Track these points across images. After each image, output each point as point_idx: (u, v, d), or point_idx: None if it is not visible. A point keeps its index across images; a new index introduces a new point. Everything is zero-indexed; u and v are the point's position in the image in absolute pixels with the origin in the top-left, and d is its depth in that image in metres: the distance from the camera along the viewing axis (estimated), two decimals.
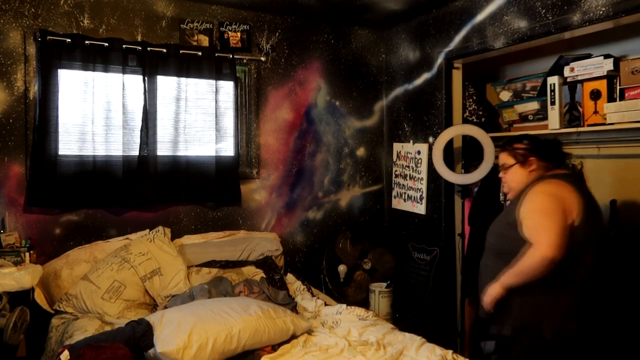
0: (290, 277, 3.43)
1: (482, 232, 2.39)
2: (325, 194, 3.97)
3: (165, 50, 3.26)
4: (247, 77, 3.69)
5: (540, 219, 2.06)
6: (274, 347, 2.33)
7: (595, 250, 2.11)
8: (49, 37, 2.97)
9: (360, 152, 4.12)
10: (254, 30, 3.66)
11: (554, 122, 3.02)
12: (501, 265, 2.14)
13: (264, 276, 3.19)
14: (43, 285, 2.83)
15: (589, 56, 2.92)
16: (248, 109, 3.70)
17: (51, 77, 2.99)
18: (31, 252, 2.84)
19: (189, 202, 3.47)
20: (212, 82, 3.44)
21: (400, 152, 3.99)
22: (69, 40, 3.02)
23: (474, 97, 3.64)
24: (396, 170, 4.04)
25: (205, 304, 2.46)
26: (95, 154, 3.12)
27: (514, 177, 2.28)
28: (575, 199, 2.09)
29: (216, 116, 3.47)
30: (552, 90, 3.01)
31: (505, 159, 2.32)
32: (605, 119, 2.77)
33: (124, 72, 3.16)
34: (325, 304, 3.00)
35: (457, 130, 3.43)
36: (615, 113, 2.72)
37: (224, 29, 3.53)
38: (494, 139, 3.27)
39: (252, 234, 3.60)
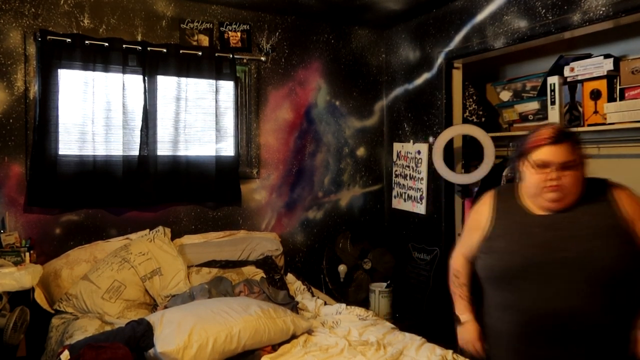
0: (290, 277, 3.43)
1: None
2: (325, 193, 3.97)
3: (165, 50, 3.26)
4: (247, 77, 3.69)
5: None
6: (274, 347, 2.33)
7: None
8: (49, 37, 2.97)
9: (361, 152, 4.12)
10: (254, 30, 3.65)
11: (554, 121, 3.01)
12: (617, 299, 1.59)
13: (264, 276, 3.19)
14: (43, 285, 2.82)
15: (589, 56, 2.92)
16: (248, 109, 3.70)
17: (51, 77, 2.99)
18: (31, 252, 2.84)
19: (189, 202, 3.47)
20: (212, 82, 3.44)
21: (400, 152, 3.99)
22: (69, 40, 3.01)
23: (474, 97, 3.64)
24: (396, 170, 4.04)
25: (205, 304, 2.46)
26: (95, 153, 3.12)
27: (577, 180, 1.65)
28: None
29: (216, 116, 3.47)
30: (552, 90, 3.01)
31: (570, 154, 1.63)
32: (605, 118, 2.77)
33: (124, 72, 3.16)
34: (325, 304, 3.00)
35: (457, 130, 3.43)
36: (615, 113, 2.72)
37: (224, 29, 3.53)
38: (494, 139, 3.27)
39: (252, 233, 3.60)
